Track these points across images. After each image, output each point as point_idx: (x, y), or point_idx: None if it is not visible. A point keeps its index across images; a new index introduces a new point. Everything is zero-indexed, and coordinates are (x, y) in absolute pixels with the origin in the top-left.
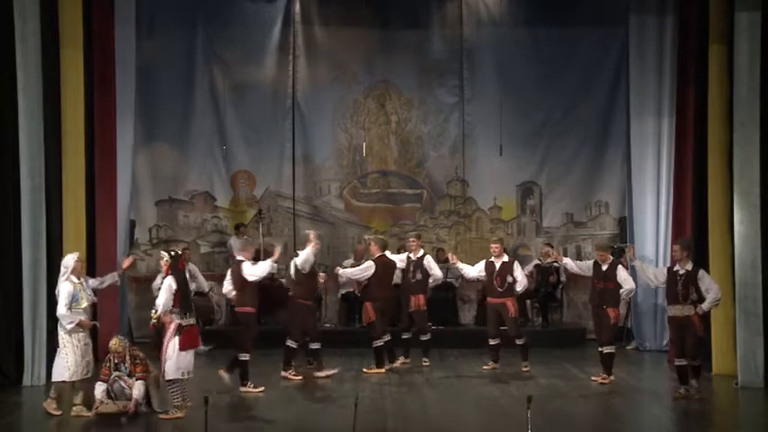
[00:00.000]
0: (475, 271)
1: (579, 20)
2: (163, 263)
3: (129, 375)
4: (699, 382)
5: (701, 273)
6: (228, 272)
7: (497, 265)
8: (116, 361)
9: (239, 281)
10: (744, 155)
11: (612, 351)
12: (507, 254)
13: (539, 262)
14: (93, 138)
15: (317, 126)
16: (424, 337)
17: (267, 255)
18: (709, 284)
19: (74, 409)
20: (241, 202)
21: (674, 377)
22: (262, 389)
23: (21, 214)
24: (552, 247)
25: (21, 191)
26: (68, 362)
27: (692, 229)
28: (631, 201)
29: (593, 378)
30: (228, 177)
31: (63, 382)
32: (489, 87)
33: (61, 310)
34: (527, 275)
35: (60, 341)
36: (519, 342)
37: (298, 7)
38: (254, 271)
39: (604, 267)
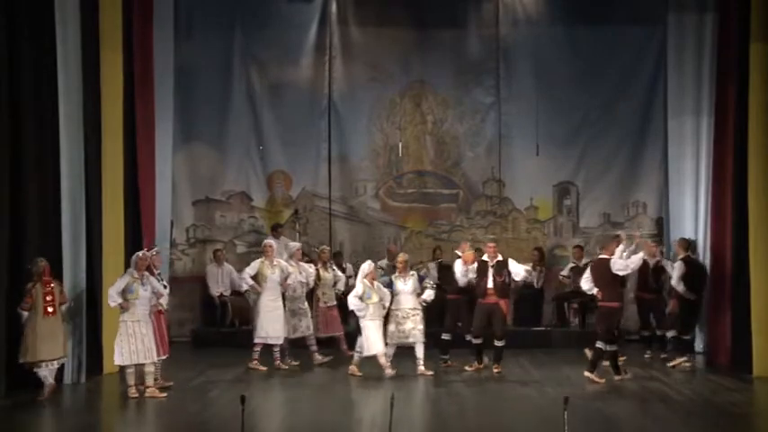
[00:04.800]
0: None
1: (617, 18)
2: None
3: None
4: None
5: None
6: (588, 269)
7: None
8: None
9: (607, 276)
10: None
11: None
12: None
13: (574, 264)
14: (132, 139)
15: (353, 126)
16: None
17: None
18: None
19: (130, 389)
20: (277, 203)
21: (710, 378)
22: (603, 381)
23: (61, 215)
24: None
25: (61, 191)
26: (122, 348)
27: (732, 231)
28: (668, 201)
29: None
30: (265, 177)
31: (122, 366)
32: (526, 87)
33: (110, 290)
34: (566, 277)
35: (122, 327)
36: (669, 334)
37: (334, 7)
38: (625, 265)
39: None
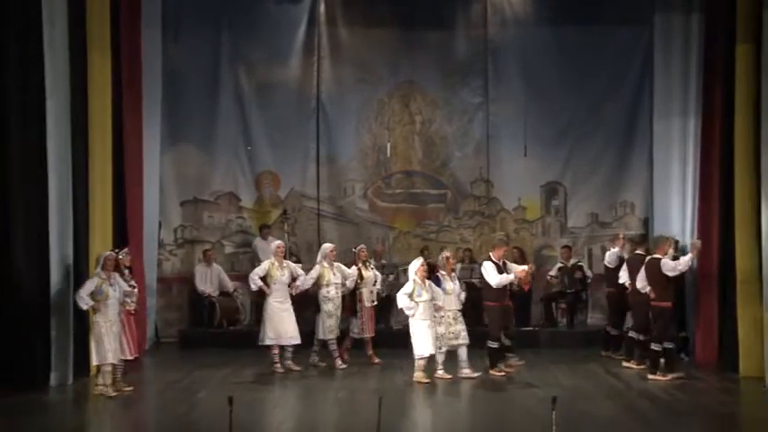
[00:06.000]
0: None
1: (604, 19)
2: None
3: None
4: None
5: None
6: (642, 269)
7: None
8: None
9: (658, 276)
10: None
11: None
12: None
13: (562, 264)
14: (120, 139)
15: (341, 127)
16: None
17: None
18: None
19: (98, 388)
20: (265, 203)
21: (697, 378)
22: (678, 375)
23: (48, 215)
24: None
25: (48, 191)
26: (99, 348)
27: (719, 231)
28: (652, 201)
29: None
30: (253, 178)
31: (107, 364)
32: (514, 87)
33: (79, 292)
34: (554, 277)
35: (96, 328)
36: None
37: (322, 8)
38: (673, 267)
39: None
